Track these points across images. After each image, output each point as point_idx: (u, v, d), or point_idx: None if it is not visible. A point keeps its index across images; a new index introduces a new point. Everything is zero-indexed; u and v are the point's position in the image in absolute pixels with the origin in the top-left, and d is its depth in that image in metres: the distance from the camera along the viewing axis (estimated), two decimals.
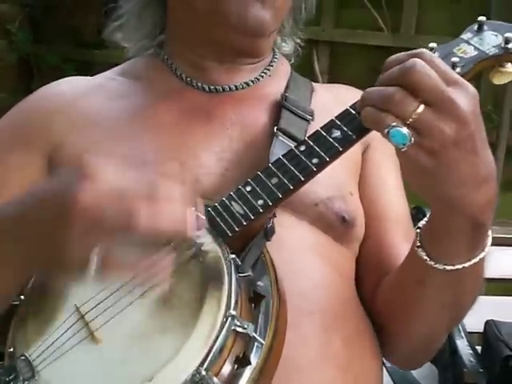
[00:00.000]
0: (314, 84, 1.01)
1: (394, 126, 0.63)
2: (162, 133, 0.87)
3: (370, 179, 0.95)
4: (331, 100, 0.95)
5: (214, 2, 0.87)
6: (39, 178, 0.88)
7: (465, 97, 0.63)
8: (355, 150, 0.93)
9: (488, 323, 1.53)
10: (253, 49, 0.94)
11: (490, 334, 1.49)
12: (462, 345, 1.52)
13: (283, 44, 1.03)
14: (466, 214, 0.68)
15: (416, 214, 0.99)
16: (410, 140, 0.63)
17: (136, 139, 0.87)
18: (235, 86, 0.94)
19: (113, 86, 0.96)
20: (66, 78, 0.99)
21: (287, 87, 0.95)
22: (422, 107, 0.62)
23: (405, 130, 0.63)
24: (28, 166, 0.88)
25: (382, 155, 0.97)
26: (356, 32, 2.64)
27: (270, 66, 0.99)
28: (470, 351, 1.52)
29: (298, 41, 1.05)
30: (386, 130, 0.63)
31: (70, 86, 0.97)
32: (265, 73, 0.97)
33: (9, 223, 0.65)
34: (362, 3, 2.56)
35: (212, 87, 0.93)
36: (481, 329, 1.56)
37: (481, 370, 1.47)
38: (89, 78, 1.00)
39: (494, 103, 2.45)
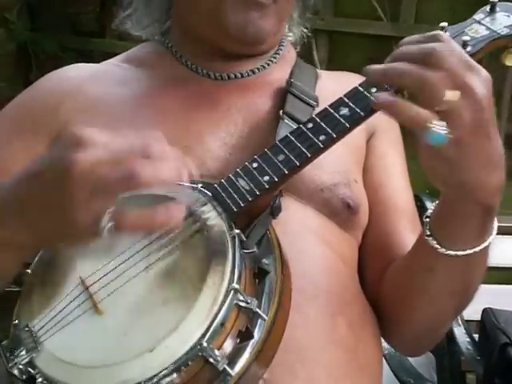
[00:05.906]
0: (318, 71, 1.01)
1: (432, 127, 0.60)
2: (167, 118, 0.88)
3: (375, 167, 0.95)
4: (335, 87, 0.95)
5: (215, 10, 0.87)
6: None
7: (481, 82, 0.63)
8: (360, 138, 0.94)
9: (485, 311, 1.53)
10: (254, 53, 0.95)
11: (488, 321, 1.49)
12: (460, 333, 1.53)
13: (289, 34, 1.03)
14: (479, 197, 0.69)
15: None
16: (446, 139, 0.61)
17: (141, 124, 0.87)
18: (241, 74, 0.94)
19: (118, 72, 0.96)
20: (71, 65, 1.00)
21: (292, 73, 0.95)
22: (451, 93, 0.61)
23: (443, 132, 0.61)
24: (34, 150, 0.89)
25: (387, 143, 0.97)
26: (355, 21, 2.64)
27: (276, 53, 0.99)
28: (468, 339, 1.52)
29: (305, 30, 1.05)
30: (426, 132, 0.61)
31: (76, 72, 0.97)
32: (271, 60, 0.98)
33: (11, 203, 0.64)
34: None
35: (218, 75, 0.93)
36: (478, 317, 1.56)
37: (478, 358, 1.47)
38: (94, 64, 1.00)
39: (493, 93, 2.44)
